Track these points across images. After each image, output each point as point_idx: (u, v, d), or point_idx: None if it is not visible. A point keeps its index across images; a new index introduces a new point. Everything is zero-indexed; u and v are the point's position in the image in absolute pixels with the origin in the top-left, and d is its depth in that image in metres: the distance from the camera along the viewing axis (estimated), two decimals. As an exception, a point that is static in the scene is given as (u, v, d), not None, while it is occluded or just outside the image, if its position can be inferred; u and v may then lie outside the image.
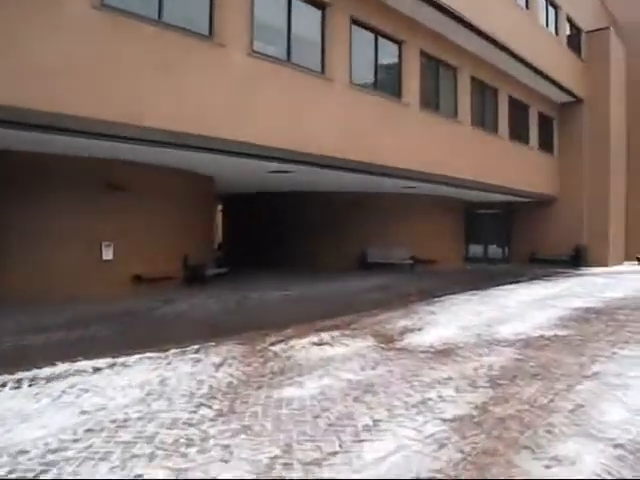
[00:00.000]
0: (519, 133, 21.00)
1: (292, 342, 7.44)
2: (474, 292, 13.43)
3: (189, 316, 9.64)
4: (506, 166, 19.45)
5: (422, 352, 6.89)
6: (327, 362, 6.34)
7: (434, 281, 16.03)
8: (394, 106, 14.54)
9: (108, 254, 11.90)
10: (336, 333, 8.05)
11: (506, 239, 25.69)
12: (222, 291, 12.79)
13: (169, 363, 6.23)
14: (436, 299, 11.87)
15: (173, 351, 6.79)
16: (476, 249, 26.12)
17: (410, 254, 19.47)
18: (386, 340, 7.60)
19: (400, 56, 14.83)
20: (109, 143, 9.32)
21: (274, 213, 20.98)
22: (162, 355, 6.59)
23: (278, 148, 11.20)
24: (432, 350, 7.01)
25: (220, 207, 26.76)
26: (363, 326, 8.63)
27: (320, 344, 7.34)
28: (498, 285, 15.07)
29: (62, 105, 8.06)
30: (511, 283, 15.73)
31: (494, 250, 26.04)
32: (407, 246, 19.54)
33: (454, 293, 13.01)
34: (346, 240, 19.46)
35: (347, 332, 8.15)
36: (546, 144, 23.21)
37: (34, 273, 10.99)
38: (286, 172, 13.73)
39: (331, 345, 7.27)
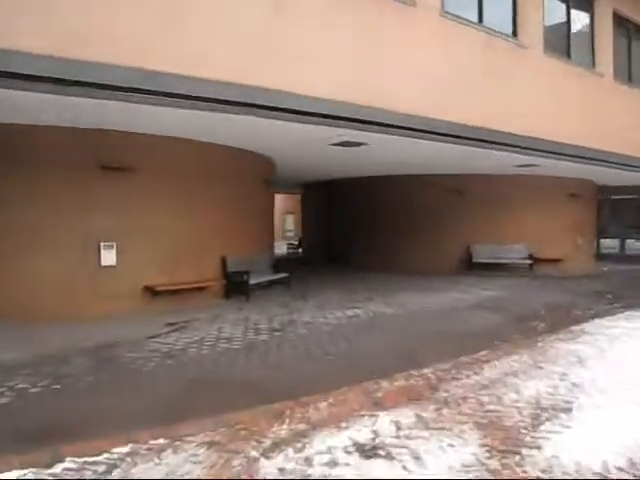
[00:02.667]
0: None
1: (316, 440, 3.80)
2: (630, 312, 9.08)
3: (185, 359, 6.20)
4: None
5: (594, 503, 3.02)
6: None
7: (564, 291, 11.70)
8: (508, 48, 10.38)
9: (109, 258, 8.79)
10: (408, 416, 4.29)
11: (650, 232, 20.46)
12: (264, 309, 9.36)
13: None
14: (578, 327, 7.71)
15: (57, 469, 3.38)
16: (610, 244, 20.95)
17: (527, 252, 15.10)
18: (504, 444, 3.74)
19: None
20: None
21: (357, 203, 17.40)
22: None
23: (340, 102, 7.57)
24: (616, 495, 3.11)
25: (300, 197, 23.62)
26: (460, 395, 4.79)
27: (369, 452, 3.64)
28: (661, 299, 10.54)
29: None
30: (678, 295, 11.10)
31: (634, 245, 20.79)
32: (523, 242, 15.19)
33: (601, 315, 8.76)
34: (445, 235, 15.41)
35: (428, 413, 4.36)
36: None
37: (9, 284, 8.13)
38: (357, 144, 10.01)
39: (390, 458, 3.55)
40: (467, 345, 6.62)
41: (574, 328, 7.62)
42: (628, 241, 20.91)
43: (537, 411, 4.38)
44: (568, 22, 11.98)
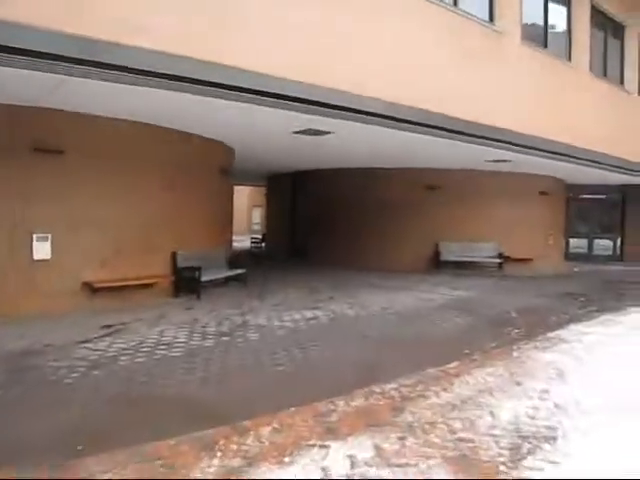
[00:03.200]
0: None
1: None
2: (605, 316, 8.59)
3: (116, 369, 5.39)
4: (636, 134, 14.17)
5: None
6: None
7: (536, 292, 11.20)
8: (480, 32, 9.79)
9: (43, 251, 7.90)
10: (366, 447, 3.57)
11: (618, 231, 20.23)
12: (215, 309, 8.58)
13: None
14: (553, 334, 7.13)
15: None
16: (578, 244, 20.64)
17: (497, 251, 14.61)
18: (481, 488, 3.10)
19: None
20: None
21: (322, 196, 16.62)
22: None
23: (288, 80, 6.83)
24: None
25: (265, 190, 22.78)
26: (427, 419, 4.09)
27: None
28: (634, 302, 10.08)
29: None
30: (651, 297, 10.69)
31: (602, 245, 20.55)
32: (493, 241, 14.68)
33: (576, 319, 8.24)
34: (413, 232, 14.78)
35: (389, 443, 3.64)
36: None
37: None
38: (320, 133, 9.30)
39: (339, 510, 2.85)
40: (435, 354, 5.98)
41: (550, 335, 7.04)
42: (596, 240, 20.64)
43: (517, 440, 3.72)
44: (545, 11, 11.45)
